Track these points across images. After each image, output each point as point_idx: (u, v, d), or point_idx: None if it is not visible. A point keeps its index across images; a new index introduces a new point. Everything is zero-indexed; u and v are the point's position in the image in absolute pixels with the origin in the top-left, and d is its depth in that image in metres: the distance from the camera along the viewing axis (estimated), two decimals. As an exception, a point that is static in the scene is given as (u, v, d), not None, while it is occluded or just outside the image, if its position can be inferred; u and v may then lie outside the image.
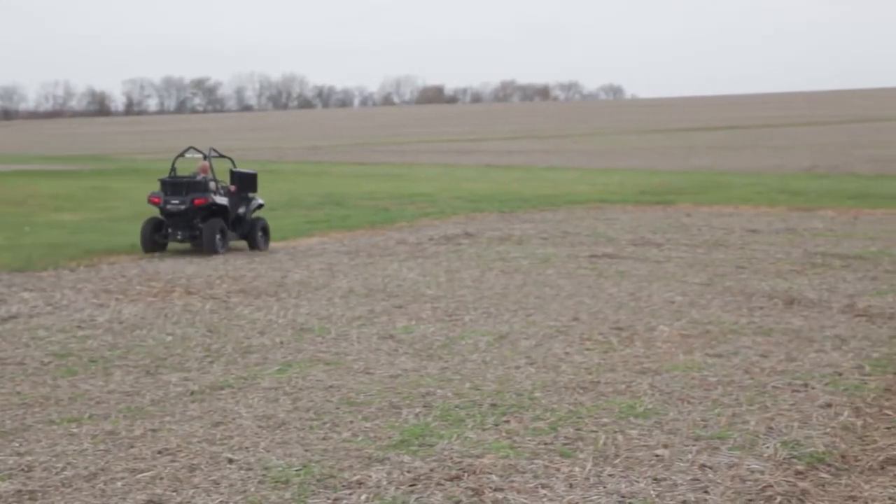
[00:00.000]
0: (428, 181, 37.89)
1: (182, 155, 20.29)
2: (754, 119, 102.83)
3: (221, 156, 20.45)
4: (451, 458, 7.69)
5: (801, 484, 7.05)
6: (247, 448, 8.05)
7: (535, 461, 7.60)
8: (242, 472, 7.52)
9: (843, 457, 7.59)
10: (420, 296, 14.46)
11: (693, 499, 6.84)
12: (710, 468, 7.37)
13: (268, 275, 16.59)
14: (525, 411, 8.85)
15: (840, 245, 18.69)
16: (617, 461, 7.56)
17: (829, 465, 7.41)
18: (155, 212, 19.43)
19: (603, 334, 11.78)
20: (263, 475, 7.44)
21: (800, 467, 7.35)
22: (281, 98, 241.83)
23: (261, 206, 20.12)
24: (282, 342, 11.73)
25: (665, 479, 7.18)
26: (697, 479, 7.16)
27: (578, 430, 8.31)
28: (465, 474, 7.36)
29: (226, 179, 19.74)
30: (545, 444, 8.00)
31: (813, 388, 9.35)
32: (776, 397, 9.10)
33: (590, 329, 12.07)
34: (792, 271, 15.87)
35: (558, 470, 7.41)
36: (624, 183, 34.95)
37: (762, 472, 7.25)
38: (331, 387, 9.79)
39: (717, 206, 26.51)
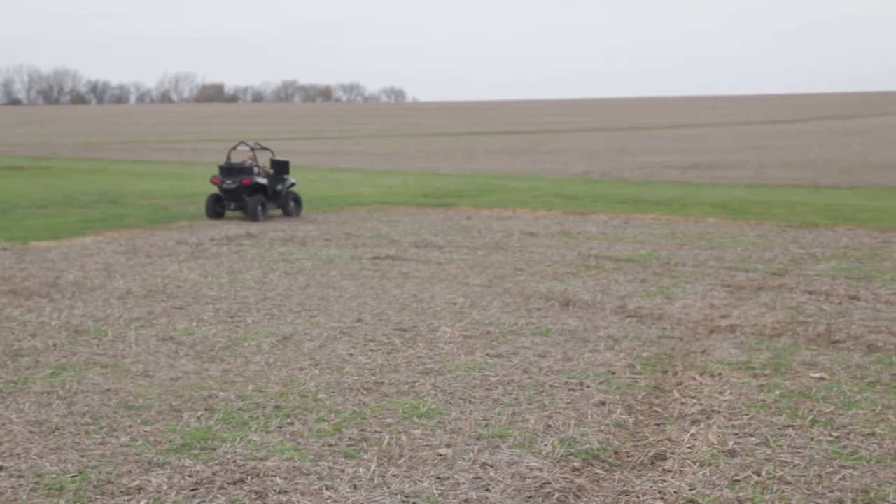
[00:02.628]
0: (208, 180, 37.17)
1: (235, 147, 26.68)
2: (532, 124, 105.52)
3: (264, 148, 26.11)
4: (235, 462, 7.60)
5: (578, 480, 7.29)
6: (18, 455, 7.74)
7: (320, 463, 7.59)
8: (13, 479, 7.22)
9: (616, 453, 7.89)
10: (201, 297, 14.21)
11: (475, 497, 6.98)
12: (492, 466, 7.53)
13: (39, 275, 15.95)
14: (309, 413, 8.83)
15: (612, 248, 19.40)
16: (401, 461, 7.63)
17: (604, 462, 7.69)
18: (215, 189, 25.31)
19: (386, 335, 11.87)
20: (36, 482, 7.17)
21: (576, 464, 7.60)
22: (52, 92, 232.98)
23: (293, 184, 25.86)
24: (55, 345, 11.31)
25: (448, 478, 7.30)
26: (479, 478, 7.31)
27: (363, 430, 8.35)
28: (249, 477, 7.29)
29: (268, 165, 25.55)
30: (329, 445, 8.00)
31: (588, 387, 9.68)
32: (554, 396, 9.38)
33: (373, 330, 12.14)
34: (568, 273, 16.37)
35: (343, 471, 7.43)
36: (406, 185, 35.26)
37: (541, 470, 7.46)
38: (108, 390, 9.51)
39: (497, 210, 27.06)
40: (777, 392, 9.47)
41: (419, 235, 21.33)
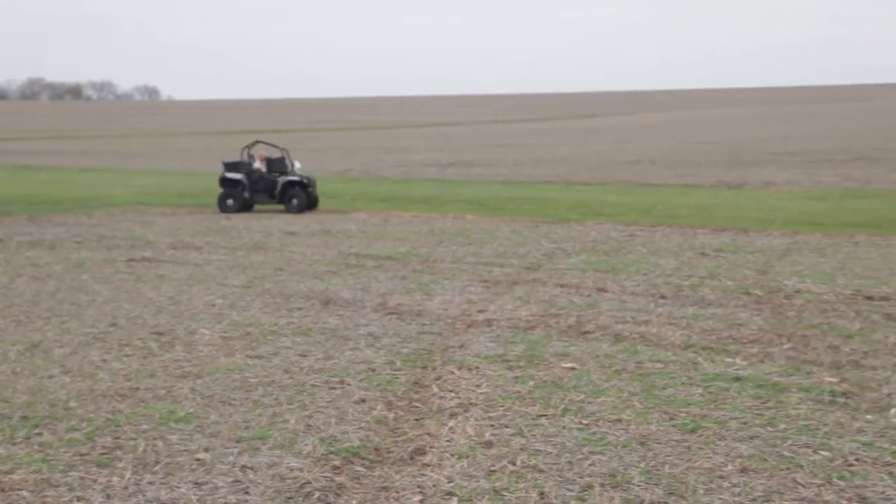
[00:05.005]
0: None
1: (249, 145, 27.89)
2: (291, 123, 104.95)
3: (273, 146, 27.62)
4: (-22, 477, 7.24)
5: (338, 478, 7.31)
6: None
7: (71, 473, 7.33)
8: None
9: (376, 449, 7.94)
10: (-60, 305, 13.45)
11: (234, 500, 6.89)
12: (251, 469, 7.46)
13: None
14: (59, 422, 8.50)
15: (372, 246, 19.53)
16: (157, 468, 7.45)
17: (364, 459, 7.74)
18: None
19: (142, 339, 11.56)
20: None
21: (336, 462, 7.61)
22: None
23: (297, 181, 26.48)
24: None
25: (206, 483, 7.18)
26: (239, 481, 7.22)
27: (117, 438, 8.11)
28: (-6, 493, 6.96)
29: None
30: (81, 454, 7.73)
31: (349, 385, 9.71)
32: (315, 395, 9.36)
33: (128, 334, 11.80)
34: (328, 272, 16.37)
35: (95, 481, 7.19)
36: (161, 185, 34.46)
37: (301, 470, 7.44)
38: None
39: (256, 209, 26.81)
40: (531, 383, 9.76)
41: (176, 236, 20.89)
